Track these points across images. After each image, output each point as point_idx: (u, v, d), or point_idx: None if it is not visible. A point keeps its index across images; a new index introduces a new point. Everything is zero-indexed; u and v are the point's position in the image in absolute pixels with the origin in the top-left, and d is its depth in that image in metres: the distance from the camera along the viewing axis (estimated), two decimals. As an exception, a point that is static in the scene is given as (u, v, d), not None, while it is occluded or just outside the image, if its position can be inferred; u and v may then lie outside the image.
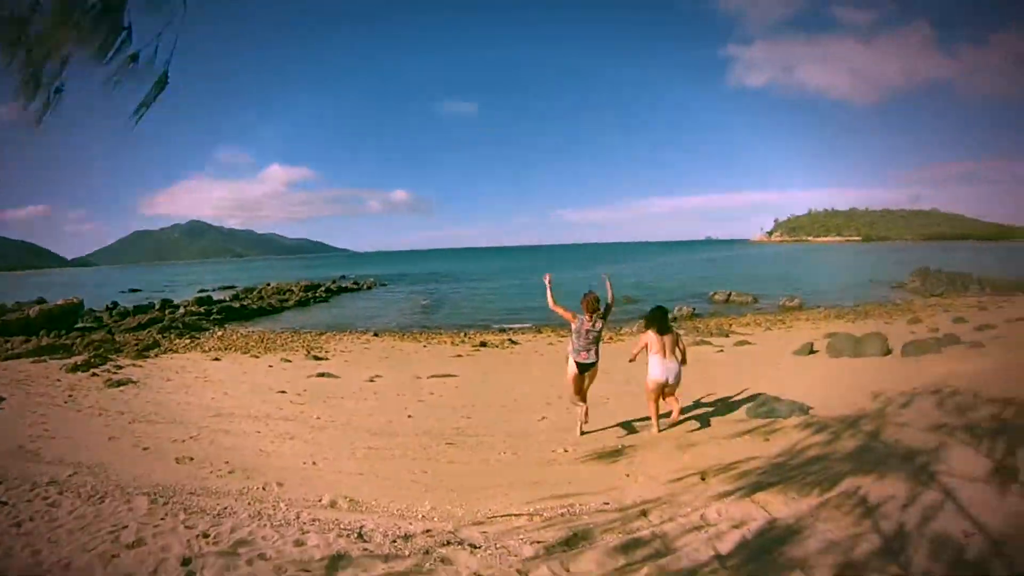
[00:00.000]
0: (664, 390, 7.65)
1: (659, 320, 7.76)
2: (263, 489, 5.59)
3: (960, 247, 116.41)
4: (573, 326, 7.49)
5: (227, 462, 6.43)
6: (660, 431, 7.49)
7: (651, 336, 7.69)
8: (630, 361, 7.97)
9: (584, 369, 7.53)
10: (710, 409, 8.56)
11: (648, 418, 7.73)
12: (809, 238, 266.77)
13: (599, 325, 7.40)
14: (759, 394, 8.52)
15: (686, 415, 8.16)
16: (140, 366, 14.78)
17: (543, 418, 8.62)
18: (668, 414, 7.77)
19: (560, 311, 7.50)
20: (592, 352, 7.46)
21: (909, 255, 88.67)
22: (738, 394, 9.33)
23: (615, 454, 6.56)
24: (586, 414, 7.67)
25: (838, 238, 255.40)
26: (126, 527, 4.47)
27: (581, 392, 7.64)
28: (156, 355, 17.49)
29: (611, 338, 20.89)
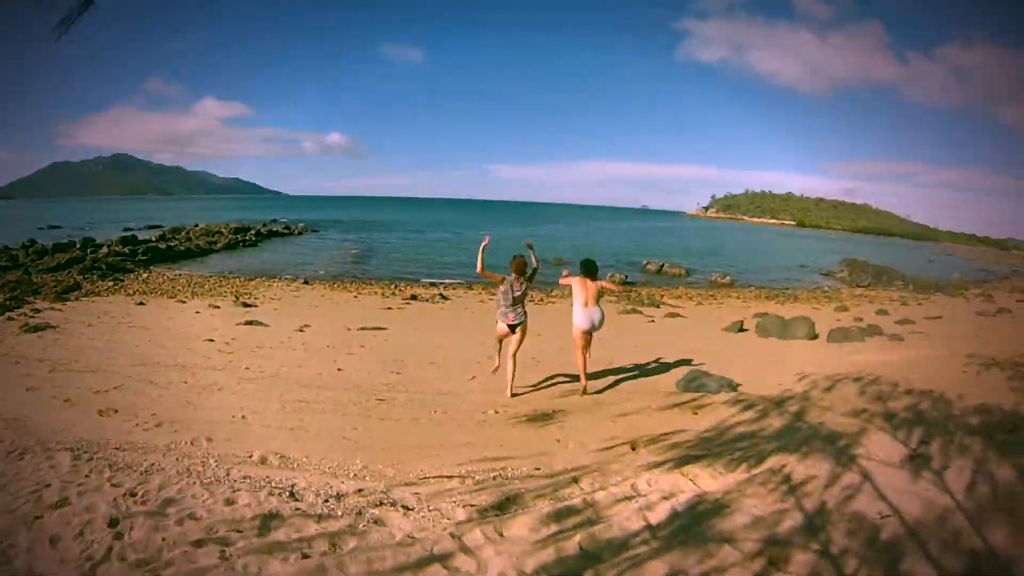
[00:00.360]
0: (589, 339, 7.94)
1: (588, 268, 7.96)
2: (191, 444, 5.39)
3: (887, 243, 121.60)
4: (501, 288, 7.64)
5: (153, 414, 6.17)
6: (587, 394, 7.71)
7: (577, 281, 7.87)
8: (561, 283, 8.00)
9: (514, 329, 7.71)
10: (640, 379, 8.69)
11: (577, 378, 7.98)
12: (744, 217, 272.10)
13: (525, 287, 7.64)
14: (690, 368, 8.70)
15: (617, 383, 8.32)
16: (60, 310, 14.00)
17: (473, 377, 8.60)
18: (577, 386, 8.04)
19: (488, 275, 7.53)
20: (519, 311, 7.67)
21: (840, 244, 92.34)
22: (669, 366, 9.48)
23: (546, 418, 6.62)
24: (512, 371, 7.67)
25: (773, 220, 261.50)
26: (49, 486, 4.22)
27: (511, 349, 7.71)
28: (77, 298, 16.59)
29: (542, 299, 21.09)
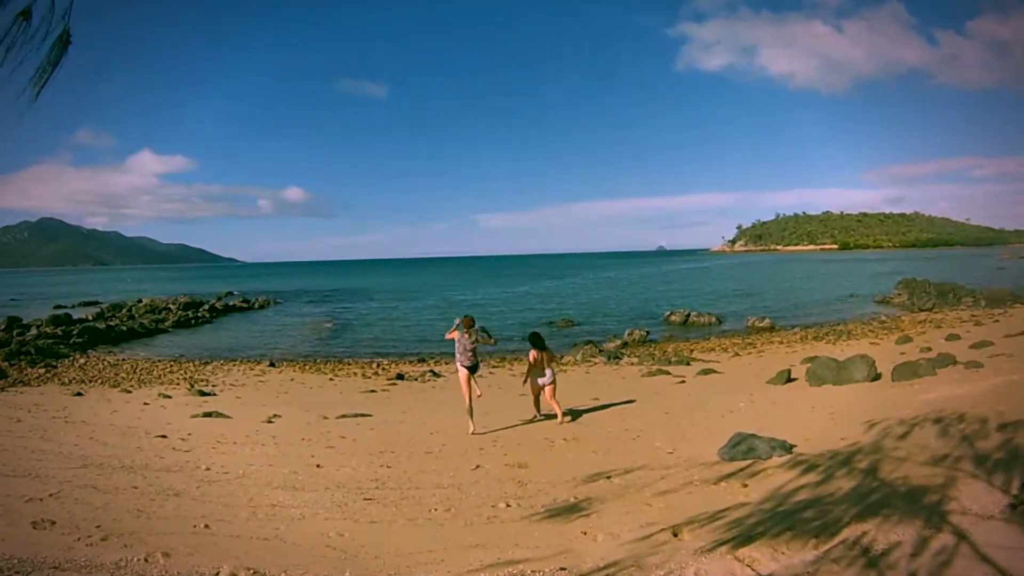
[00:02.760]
0: (544, 391, 12.22)
1: (537, 341, 12.45)
2: (145, 560, 5.30)
3: (947, 254, 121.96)
4: (457, 339, 11.72)
5: (98, 526, 6.08)
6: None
7: (534, 353, 12.28)
8: (524, 382, 12.85)
9: (472, 371, 11.79)
10: (675, 452, 8.64)
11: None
12: (778, 247, 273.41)
13: (475, 337, 11.80)
14: (734, 432, 8.65)
15: (647, 458, 8.27)
16: (-20, 403, 13.94)
17: (477, 467, 8.54)
18: (554, 416, 12.08)
19: (448, 336, 12.04)
20: (472, 357, 11.75)
21: (892, 264, 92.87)
22: (708, 433, 9.44)
23: (569, 509, 6.52)
24: (471, 413, 11.51)
25: (811, 246, 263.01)
26: (-28, 618, 4.17)
27: (469, 393, 11.62)
28: (2, 388, 16.56)
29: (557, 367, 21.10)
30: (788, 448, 7.62)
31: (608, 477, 7.56)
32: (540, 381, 12.23)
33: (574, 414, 12.43)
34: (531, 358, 12.32)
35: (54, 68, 3.67)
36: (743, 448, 7.78)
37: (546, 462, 8.51)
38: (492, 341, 12.82)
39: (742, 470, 7.12)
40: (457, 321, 11.75)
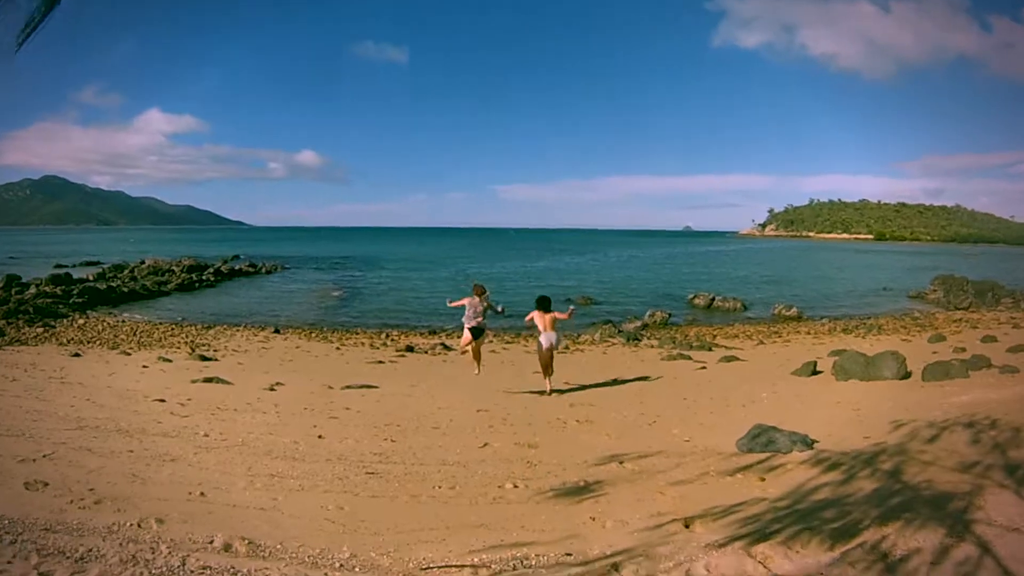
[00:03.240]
0: (550, 356, 13.16)
1: (543, 303, 13.34)
2: (138, 526, 5.35)
3: (989, 252, 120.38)
4: (468, 304, 13.47)
5: (92, 489, 6.14)
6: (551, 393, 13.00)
7: (536, 314, 13.27)
8: (526, 322, 13.67)
9: (476, 334, 13.69)
10: (692, 440, 8.63)
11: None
12: (810, 234, 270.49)
13: (485, 303, 13.51)
14: (754, 423, 8.60)
15: (663, 445, 8.26)
16: (-24, 361, 14.13)
17: (485, 444, 8.54)
18: (564, 391, 13.39)
19: (455, 303, 13.90)
20: (480, 320, 13.52)
21: (929, 259, 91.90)
22: (726, 422, 9.41)
23: (578, 491, 6.53)
24: (478, 366, 14.31)
25: (845, 235, 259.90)
26: (-41, 577, 4.22)
27: (475, 351, 14.06)
28: (0, 347, 16.75)
29: (569, 347, 21.15)
30: (809, 443, 7.58)
31: (620, 462, 7.54)
32: (540, 344, 13.17)
33: (588, 394, 12.42)
34: (528, 318, 13.45)
35: (41, 20, 3.63)
36: (763, 440, 7.75)
37: (557, 443, 8.53)
38: (500, 309, 13.91)
39: (760, 463, 7.09)
40: (464, 300, 13.58)
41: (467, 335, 13.67)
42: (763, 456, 7.33)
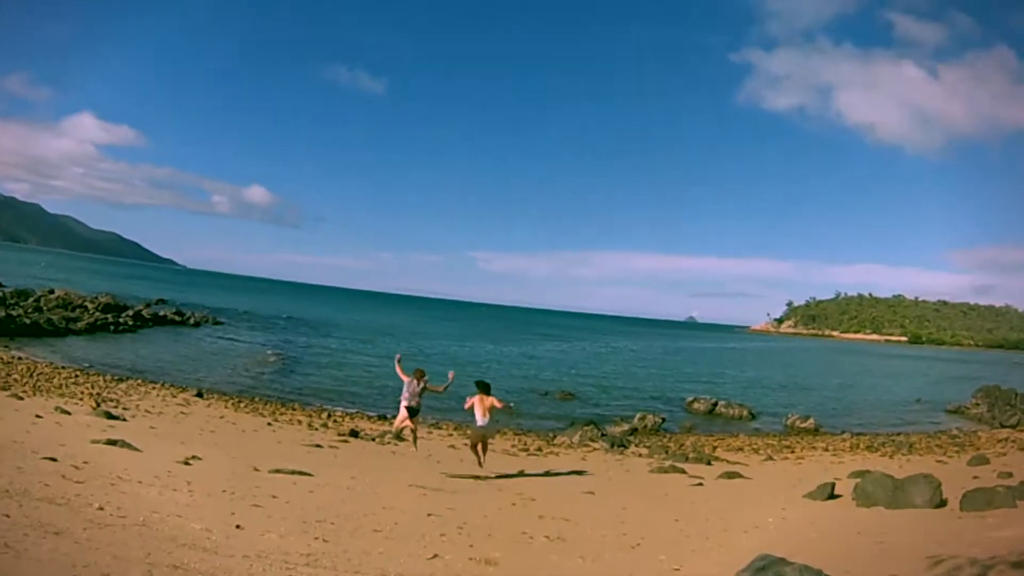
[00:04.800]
0: (481, 439, 15.71)
1: (483, 387, 15.72)
2: (1, 618, 5.14)
3: None
4: (407, 383, 16.05)
5: (-49, 576, 5.91)
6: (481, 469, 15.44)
7: (476, 399, 15.53)
8: (465, 408, 15.93)
9: (412, 413, 16.04)
10: (682, 570, 8.45)
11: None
12: (835, 333, 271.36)
13: (422, 384, 16.08)
14: (758, 555, 8.43)
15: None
16: None
17: (434, 556, 8.31)
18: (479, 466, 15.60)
19: (400, 370, 16.31)
20: (416, 400, 16.00)
21: (972, 368, 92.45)
22: (724, 550, 9.32)
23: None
24: (415, 442, 16.90)
25: (875, 336, 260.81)
26: None
27: (411, 430, 16.40)
28: None
29: (541, 448, 21.10)
30: (825, 583, 7.37)
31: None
32: (474, 425, 15.74)
33: (561, 506, 12.23)
34: (467, 404, 15.81)
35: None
36: (768, 575, 7.54)
37: (521, 563, 8.31)
38: (441, 389, 16.75)
39: (765, 608, 6.89)
40: (400, 373, 16.32)
41: (403, 413, 16.06)
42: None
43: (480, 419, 15.44)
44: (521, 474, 16.36)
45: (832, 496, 14.32)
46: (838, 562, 7.99)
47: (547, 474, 16.82)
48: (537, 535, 9.96)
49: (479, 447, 15.73)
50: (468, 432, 16.70)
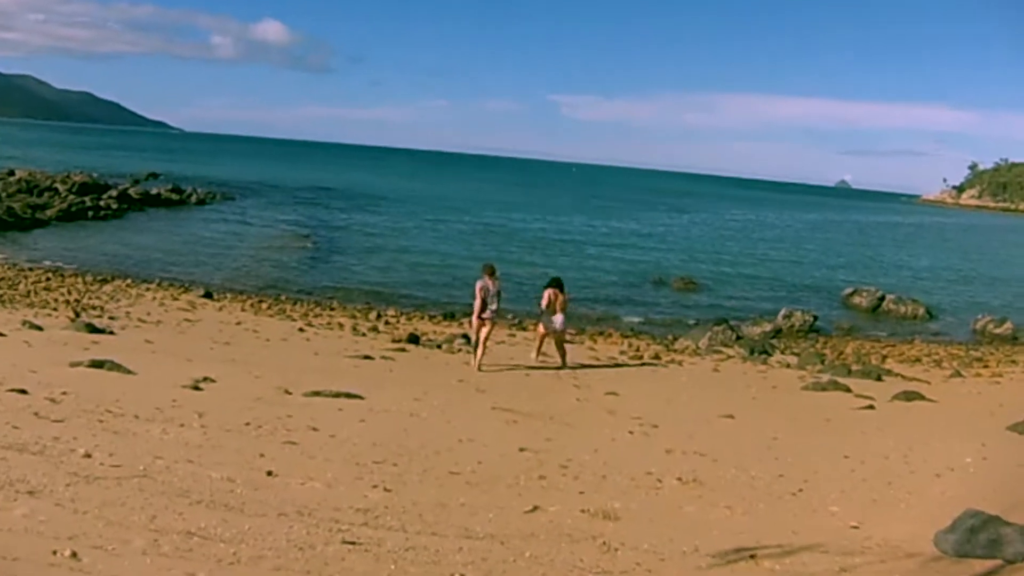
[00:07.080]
0: (554, 337, 18.80)
1: (557, 283, 18.57)
2: (-39, 602, 5.09)
3: None
4: (479, 288, 17.52)
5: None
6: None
7: (549, 292, 18.44)
8: (543, 307, 18.67)
9: (486, 320, 17.72)
10: (863, 528, 8.16)
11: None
12: None
13: (497, 285, 17.68)
14: (963, 510, 8.09)
15: (817, 535, 7.85)
16: None
17: (534, 508, 8.15)
18: (561, 366, 18.74)
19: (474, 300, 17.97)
20: (492, 309, 17.62)
21: None
22: (914, 500, 9.14)
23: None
24: (482, 354, 17.81)
25: None
26: None
27: (482, 341, 17.75)
28: None
29: (658, 356, 21.11)
30: (1059, 547, 7.11)
31: (752, 556, 7.15)
32: (551, 325, 18.70)
33: (694, 437, 12.03)
34: (544, 300, 18.74)
35: None
36: (981, 539, 7.17)
37: (649, 516, 8.14)
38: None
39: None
40: (478, 286, 17.92)
41: (477, 322, 17.97)
42: (986, 563, 6.88)
43: (559, 318, 18.51)
44: (635, 391, 16.24)
45: (1048, 429, 13.93)
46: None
47: (666, 386, 16.71)
48: (666, 477, 9.79)
49: (561, 349, 18.79)
50: (544, 333, 19.13)
